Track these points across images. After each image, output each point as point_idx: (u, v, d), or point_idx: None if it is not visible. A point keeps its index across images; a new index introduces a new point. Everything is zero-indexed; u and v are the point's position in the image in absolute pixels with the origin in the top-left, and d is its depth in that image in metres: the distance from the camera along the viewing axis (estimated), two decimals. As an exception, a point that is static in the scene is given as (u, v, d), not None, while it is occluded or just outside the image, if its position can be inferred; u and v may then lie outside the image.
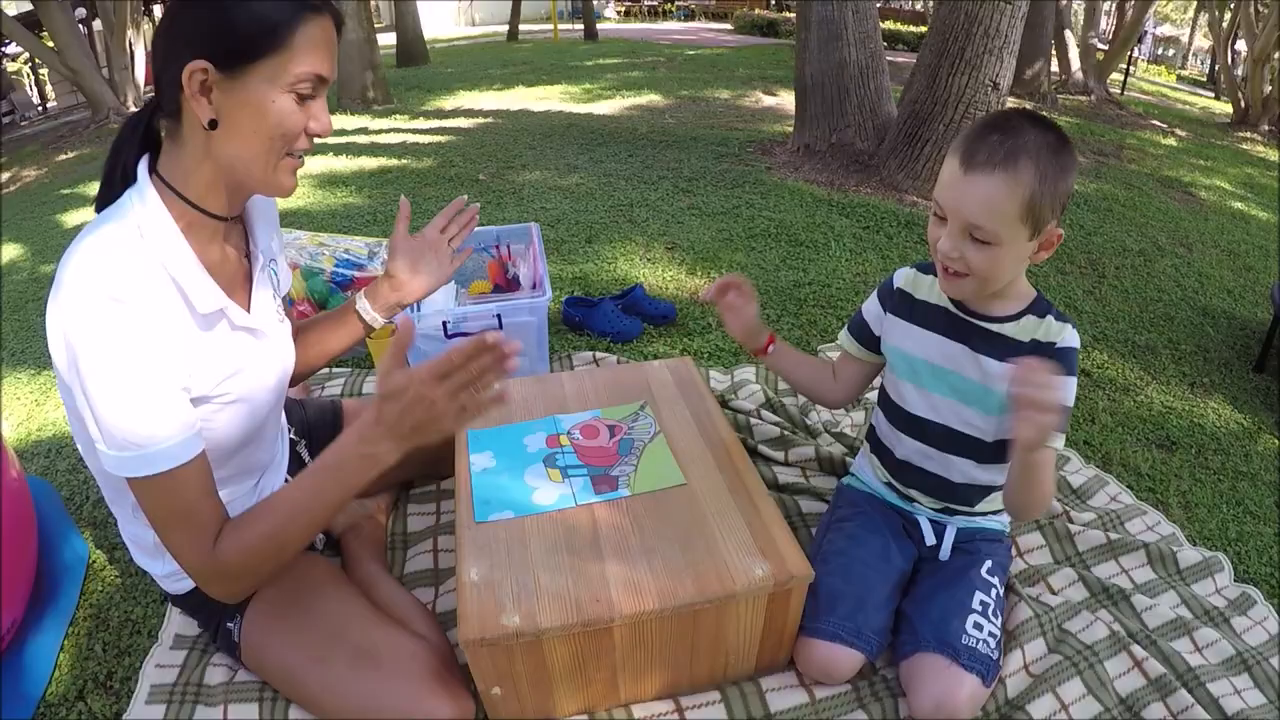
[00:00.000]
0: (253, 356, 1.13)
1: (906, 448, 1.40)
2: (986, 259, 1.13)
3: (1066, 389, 1.21)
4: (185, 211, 1.00)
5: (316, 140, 1.02)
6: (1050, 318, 1.24)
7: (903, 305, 1.37)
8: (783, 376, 1.58)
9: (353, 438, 1.00)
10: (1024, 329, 1.24)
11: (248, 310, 1.13)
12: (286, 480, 1.38)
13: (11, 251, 3.72)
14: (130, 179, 0.99)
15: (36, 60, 11.35)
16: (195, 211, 1.01)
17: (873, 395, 2.19)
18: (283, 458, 1.39)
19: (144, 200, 0.96)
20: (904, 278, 1.38)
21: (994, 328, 1.26)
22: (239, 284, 1.13)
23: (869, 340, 1.44)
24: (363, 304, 1.38)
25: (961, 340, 1.29)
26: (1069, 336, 1.22)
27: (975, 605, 1.28)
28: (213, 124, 0.93)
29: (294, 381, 1.37)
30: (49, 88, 14.62)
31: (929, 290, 1.34)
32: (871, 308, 1.44)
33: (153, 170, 1.00)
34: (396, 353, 0.97)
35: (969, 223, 1.11)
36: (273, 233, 1.27)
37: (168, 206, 0.98)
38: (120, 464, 0.93)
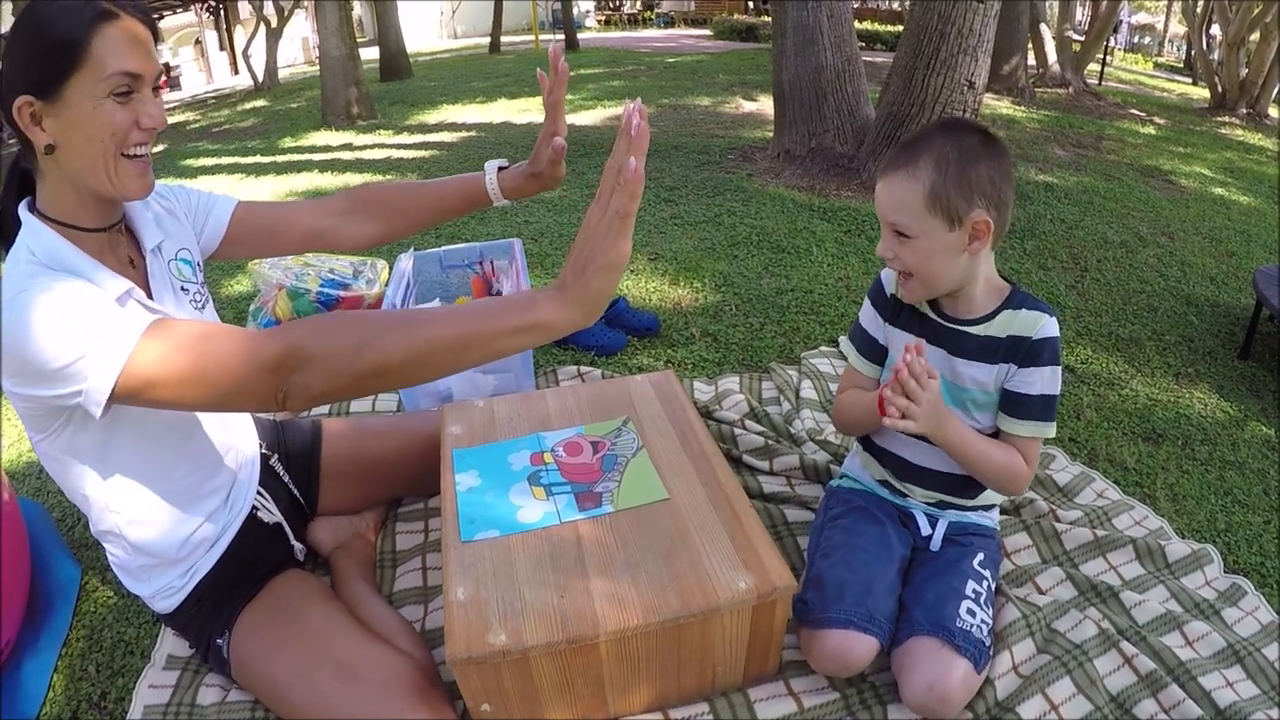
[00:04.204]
0: None
1: (902, 444, 1.41)
2: (912, 253, 1.20)
3: (1051, 379, 1.24)
4: (65, 232, 1.05)
5: (156, 130, 1.04)
6: (1024, 310, 1.25)
7: (893, 310, 1.37)
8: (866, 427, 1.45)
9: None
10: (1000, 326, 1.25)
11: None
12: (259, 493, 1.40)
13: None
14: (18, 224, 1.06)
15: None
16: (74, 230, 1.06)
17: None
18: (252, 470, 1.40)
19: (31, 231, 1.04)
20: (890, 281, 1.37)
21: (969, 329, 1.27)
22: (138, 286, 1.15)
23: (878, 354, 1.42)
24: (493, 186, 1.34)
25: (939, 344, 1.31)
26: (1045, 326, 1.23)
27: (968, 592, 1.28)
28: (49, 148, 0.99)
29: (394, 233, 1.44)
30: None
31: None
32: (870, 319, 1.42)
33: (34, 207, 1.07)
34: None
35: (890, 222, 1.20)
36: (177, 228, 1.28)
37: (51, 230, 1.05)
38: (98, 386, 0.90)
